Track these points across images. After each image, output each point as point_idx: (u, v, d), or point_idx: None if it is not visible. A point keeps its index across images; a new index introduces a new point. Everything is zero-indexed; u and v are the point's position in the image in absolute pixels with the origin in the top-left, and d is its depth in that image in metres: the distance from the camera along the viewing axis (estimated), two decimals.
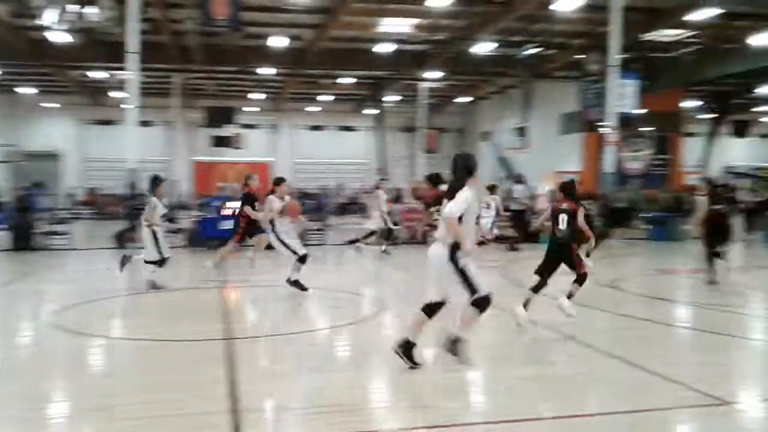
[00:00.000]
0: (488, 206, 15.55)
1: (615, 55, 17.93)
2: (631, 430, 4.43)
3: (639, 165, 26.12)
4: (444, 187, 9.61)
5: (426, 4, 18.44)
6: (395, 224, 17.89)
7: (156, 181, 9.97)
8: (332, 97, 35.33)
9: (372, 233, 15.46)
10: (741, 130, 34.09)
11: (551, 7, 18.82)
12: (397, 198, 19.55)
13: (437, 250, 5.59)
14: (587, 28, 21.89)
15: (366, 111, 35.99)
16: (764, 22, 20.15)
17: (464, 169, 5.66)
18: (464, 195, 5.48)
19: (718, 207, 10.69)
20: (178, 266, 13.51)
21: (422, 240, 17.48)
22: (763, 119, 37.99)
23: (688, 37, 22.68)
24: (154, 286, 9.72)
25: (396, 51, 24.14)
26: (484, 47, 23.03)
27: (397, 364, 6.08)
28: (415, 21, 21.35)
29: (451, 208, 5.42)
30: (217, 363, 5.85)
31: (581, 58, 22.63)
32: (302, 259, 9.22)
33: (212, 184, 33.35)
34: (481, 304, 5.55)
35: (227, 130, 31.33)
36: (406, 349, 5.70)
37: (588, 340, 6.82)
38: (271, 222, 9.32)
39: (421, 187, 16.76)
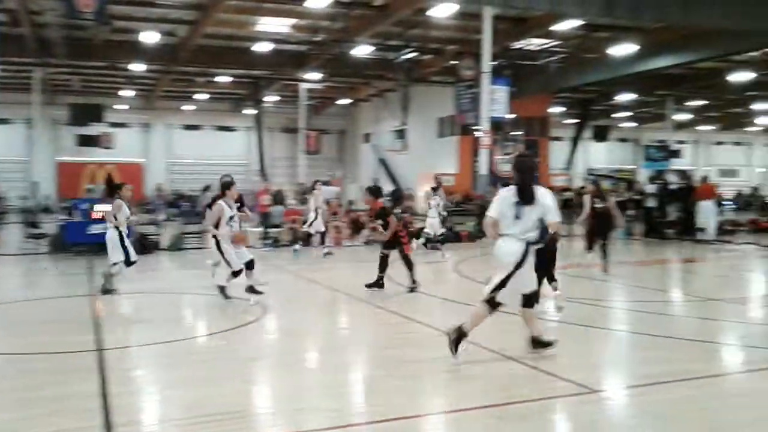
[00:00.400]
0: (430, 206, 15.58)
1: (487, 61, 18.65)
2: (509, 422, 4.60)
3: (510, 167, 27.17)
4: (382, 200, 9.90)
5: (304, 4, 18.39)
6: (277, 226, 17.66)
7: (119, 185, 9.79)
8: (209, 96, 34.47)
9: (323, 234, 15.15)
10: (601, 134, 36.51)
11: (428, 13, 19.33)
12: (278, 199, 19.30)
13: (516, 247, 5.72)
14: (461, 35, 22.65)
15: (246, 111, 35.38)
16: (622, 33, 21.71)
17: (532, 171, 6.00)
18: (552, 197, 5.85)
19: (600, 205, 11.65)
20: (44, 274, 12.68)
21: (305, 241, 17.36)
22: (621, 125, 40.97)
23: (553, 47, 24.04)
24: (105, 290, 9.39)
25: (275, 51, 23.88)
26: (362, 50, 23.27)
27: (279, 369, 6.01)
28: (293, 21, 21.23)
29: (555, 214, 5.75)
30: (89, 376, 5.51)
31: (456, 64, 23.40)
32: (236, 274, 8.84)
33: (80, 185, 31.51)
34: (534, 299, 5.99)
35: (95, 129, 29.71)
36: (457, 337, 5.84)
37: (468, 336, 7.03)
38: (216, 227, 8.85)
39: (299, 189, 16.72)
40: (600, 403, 5.05)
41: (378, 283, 9.87)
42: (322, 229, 15.03)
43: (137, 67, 25.04)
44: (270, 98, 33.62)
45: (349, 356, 6.62)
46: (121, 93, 32.09)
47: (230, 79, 28.96)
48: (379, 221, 9.95)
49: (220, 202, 8.91)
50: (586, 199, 11.93)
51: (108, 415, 4.61)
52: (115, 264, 9.43)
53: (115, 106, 33.44)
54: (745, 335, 7.37)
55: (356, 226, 18.06)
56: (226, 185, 9.09)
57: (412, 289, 9.75)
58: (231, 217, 8.89)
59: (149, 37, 21.30)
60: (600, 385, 5.48)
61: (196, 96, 34.15)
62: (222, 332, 7.48)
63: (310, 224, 14.94)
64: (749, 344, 6.87)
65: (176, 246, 16.15)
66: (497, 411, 4.76)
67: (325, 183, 24.67)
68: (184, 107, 36.51)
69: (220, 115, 37.52)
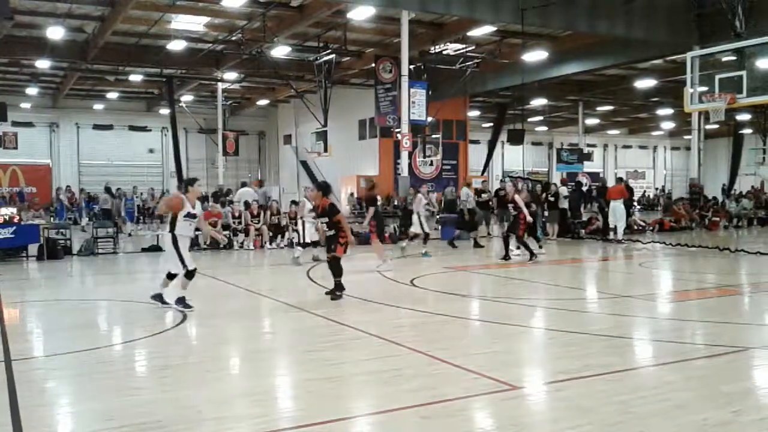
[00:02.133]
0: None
1: (405, 65, 18.86)
2: (435, 421, 4.64)
3: (431, 169, 27.65)
4: (329, 198, 9.53)
5: (221, 3, 18.08)
6: (197, 230, 17.24)
7: (191, 182, 8.82)
8: (121, 95, 33.30)
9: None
10: (516, 137, 37.51)
11: (347, 15, 19.37)
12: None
13: None
14: (380, 38, 22.82)
15: (160, 111, 34.38)
16: (533, 40, 22.41)
17: None
18: None
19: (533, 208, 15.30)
20: None
21: (228, 245, 17.04)
22: (535, 128, 42.29)
23: (469, 52, 24.57)
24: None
25: (190, 49, 23.35)
26: (281, 51, 23.07)
27: (200, 376, 5.85)
28: (207, 19, 20.86)
29: None
30: None
31: (375, 67, 23.56)
32: (190, 274, 8.36)
33: None
34: None
35: None
36: None
37: (392, 337, 7.07)
38: (173, 222, 8.34)
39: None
40: (522, 399, 5.17)
41: (338, 289, 9.41)
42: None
43: (42, 64, 23.93)
44: (186, 98, 32.81)
45: (272, 361, 6.52)
46: (25, 90, 30.55)
47: (141, 77, 28.05)
48: (324, 220, 9.38)
49: (182, 196, 8.53)
50: (520, 201, 14.08)
51: (19, 429, 4.37)
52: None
53: (19, 104, 31.83)
54: (655, 330, 7.72)
55: (277, 229, 17.86)
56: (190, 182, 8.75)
57: (334, 296, 9.32)
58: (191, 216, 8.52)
59: (55, 32, 20.34)
60: (521, 382, 5.61)
61: (107, 95, 32.94)
62: (138, 340, 7.22)
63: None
64: (659, 339, 7.21)
65: (89, 251, 15.52)
66: (423, 410, 4.79)
67: (243, 184, 24.30)
68: (95, 106, 35.11)
69: (132, 114, 36.32)
